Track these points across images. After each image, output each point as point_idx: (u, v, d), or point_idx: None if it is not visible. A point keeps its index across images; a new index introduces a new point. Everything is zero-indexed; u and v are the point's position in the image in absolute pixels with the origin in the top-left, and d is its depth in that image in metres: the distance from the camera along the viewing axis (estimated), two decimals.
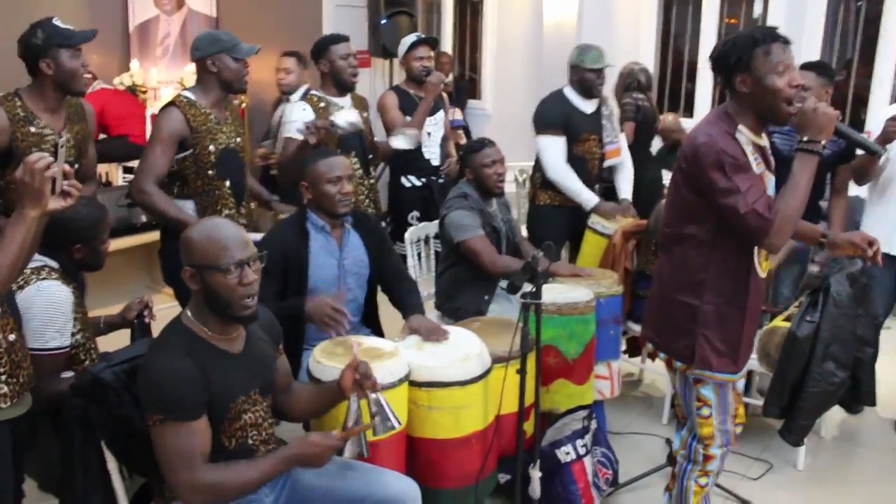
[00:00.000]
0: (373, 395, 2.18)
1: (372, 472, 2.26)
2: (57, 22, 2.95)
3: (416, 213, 4.24)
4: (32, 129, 2.93)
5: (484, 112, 6.65)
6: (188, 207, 3.16)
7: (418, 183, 4.31)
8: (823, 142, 2.23)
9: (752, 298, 2.43)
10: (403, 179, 4.32)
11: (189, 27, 7.18)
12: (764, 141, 2.40)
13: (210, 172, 3.16)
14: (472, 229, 3.38)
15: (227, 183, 3.20)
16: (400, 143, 3.89)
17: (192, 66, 6.95)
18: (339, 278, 3.00)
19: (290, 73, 4.97)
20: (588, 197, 4.04)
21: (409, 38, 4.37)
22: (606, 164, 4.19)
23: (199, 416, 2.00)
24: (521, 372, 2.54)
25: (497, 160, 3.47)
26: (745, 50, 2.23)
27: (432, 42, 4.38)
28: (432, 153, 4.31)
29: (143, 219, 5.04)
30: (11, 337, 2.04)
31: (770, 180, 2.36)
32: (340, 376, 2.22)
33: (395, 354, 2.56)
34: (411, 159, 4.23)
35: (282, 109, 4.36)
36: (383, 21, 6.57)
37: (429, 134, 4.26)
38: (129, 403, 2.11)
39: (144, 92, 6.47)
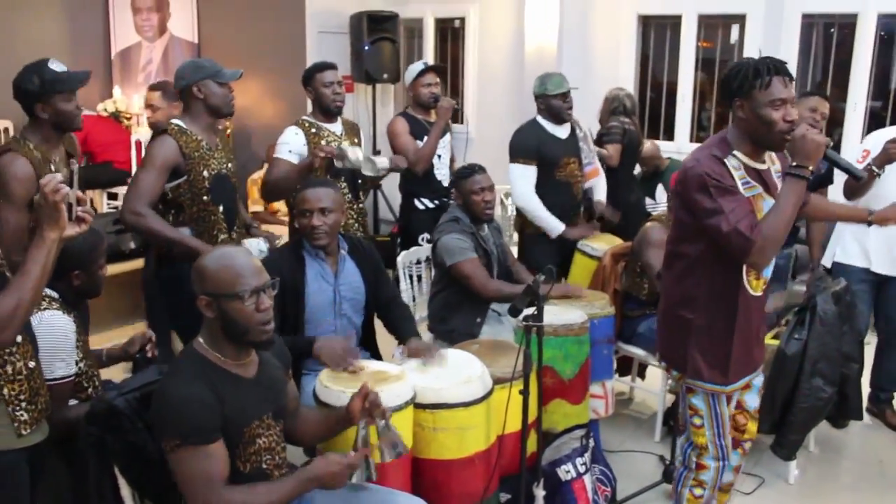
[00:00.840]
0: (381, 423, 2.21)
1: (383, 493, 2.29)
2: (52, 66, 2.92)
3: (426, 236, 4.25)
4: (52, 168, 2.92)
5: (466, 136, 6.70)
6: (185, 234, 3.19)
7: (431, 205, 4.36)
8: (811, 167, 2.31)
9: (741, 315, 2.50)
10: (416, 202, 4.37)
11: (171, 54, 7.20)
12: (764, 165, 2.47)
13: (205, 198, 3.19)
14: (464, 252, 3.44)
15: (221, 208, 3.24)
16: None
17: None
18: (336, 304, 3.04)
19: (157, 109, 4.45)
20: (554, 225, 4.11)
21: (417, 66, 4.43)
22: (587, 185, 4.27)
23: (216, 440, 2.02)
24: (525, 392, 2.60)
25: (486, 188, 3.54)
26: (748, 78, 2.32)
27: (439, 69, 4.46)
28: (443, 175, 4.37)
29: (133, 245, 5.04)
30: (31, 364, 2.07)
31: (767, 202, 2.42)
32: (349, 402, 2.25)
33: (401, 378, 2.60)
34: (425, 182, 4.28)
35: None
36: (366, 47, 6.65)
37: (439, 156, 4.33)
38: (143, 430, 2.14)
39: (128, 118, 6.47)
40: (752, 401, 2.69)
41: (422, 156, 4.19)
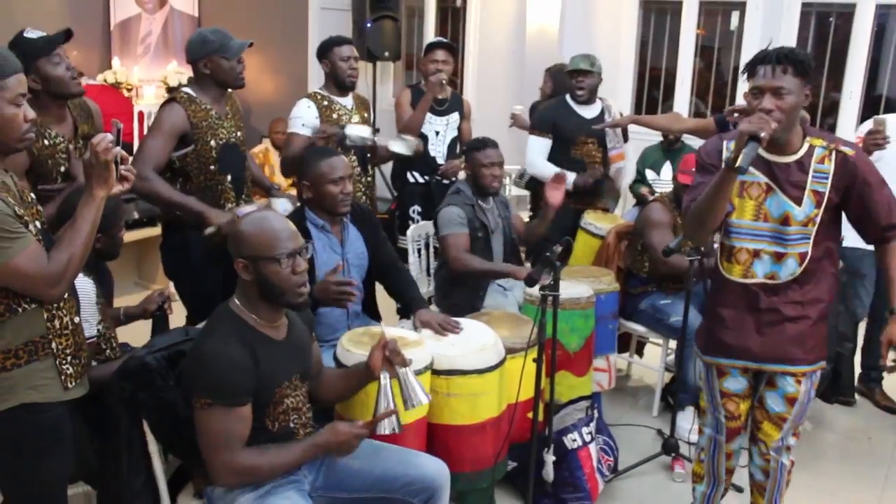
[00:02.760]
0: (402, 371, 2.26)
1: (405, 453, 2.37)
2: (28, 34, 2.85)
3: (417, 208, 4.37)
4: (46, 143, 2.86)
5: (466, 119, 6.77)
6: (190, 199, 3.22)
7: (421, 180, 4.43)
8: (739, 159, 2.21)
9: (718, 295, 2.58)
10: (409, 175, 4.44)
11: (171, 26, 7.20)
12: (784, 158, 2.40)
13: (212, 167, 3.21)
14: (451, 225, 3.52)
15: (229, 177, 3.27)
16: (398, 147, 4.00)
17: (174, 65, 7.04)
18: (345, 272, 3.07)
19: None
20: (568, 177, 4.21)
21: (429, 42, 4.52)
22: (612, 168, 4.37)
23: (247, 403, 2.09)
24: (538, 360, 2.68)
25: (496, 163, 3.61)
26: (749, 66, 2.37)
27: (448, 47, 4.50)
28: (438, 152, 4.42)
29: (136, 215, 5.08)
30: (77, 319, 2.12)
31: (774, 198, 2.40)
32: (369, 356, 2.31)
33: (419, 343, 2.68)
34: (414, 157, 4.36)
35: None
36: (368, 24, 6.66)
37: (437, 133, 4.39)
38: (174, 388, 2.21)
39: (130, 89, 6.48)
40: (775, 403, 2.57)
41: (406, 125, 4.23)
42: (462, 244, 3.50)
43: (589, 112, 4.33)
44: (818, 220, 2.38)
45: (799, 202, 2.38)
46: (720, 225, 2.47)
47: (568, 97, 4.39)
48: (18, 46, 2.81)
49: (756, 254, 2.45)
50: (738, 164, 2.17)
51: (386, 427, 2.18)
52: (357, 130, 3.62)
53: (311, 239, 2.99)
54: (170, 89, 6.82)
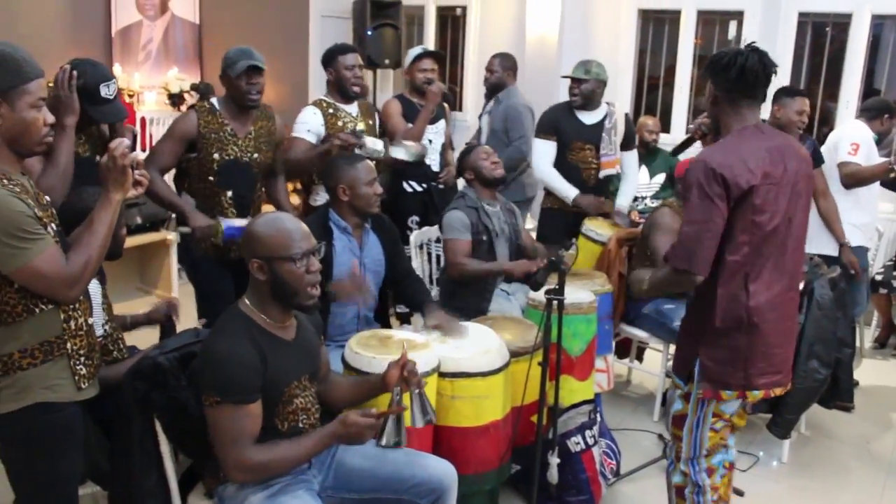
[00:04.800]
0: (416, 391, 2.30)
1: (413, 454, 2.39)
2: (104, 92, 2.76)
3: (415, 218, 4.38)
4: None
5: (465, 124, 6.79)
6: (189, 203, 3.35)
7: (419, 188, 4.45)
8: None
9: None
10: (405, 184, 4.44)
11: (172, 33, 7.23)
12: None
13: (210, 179, 3.30)
14: (454, 232, 3.57)
15: (229, 193, 3.34)
16: (400, 153, 4.02)
17: (174, 71, 7.08)
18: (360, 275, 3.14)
19: None
20: (567, 191, 4.32)
21: (415, 50, 4.51)
22: (602, 174, 4.38)
23: (255, 401, 2.12)
24: (543, 364, 2.72)
25: (490, 153, 3.74)
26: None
27: (436, 55, 4.54)
28: (432, 160, 4.44)
29: (139, 220, 5.11)
30: (90, 320, 2.15)
31: None
32: (387, 371, 2.34)
33: (427, 346, 2.71)
34: (413, 165, 4.38)
35: None
36: (369, 32, 6.70)
37: (430, 141, 4.41)
38: (186, 388, 2.23)
39: (131, 95, 6.51)
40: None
41: (409, 137, 4.24)
42: (461, 249, 3.55)
43: (589, 118, 4.36)
44: None
45: None
46: None
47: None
48: (93, 99, 2.74)
49: None
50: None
51: (389, 439, 2.19)
52: (373, 143, 3.68)
53: (330, 238, 3.06)
54: (171, 96, 6.87)
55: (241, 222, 3.18)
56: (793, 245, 2.42)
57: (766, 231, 2.33)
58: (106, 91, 2.77)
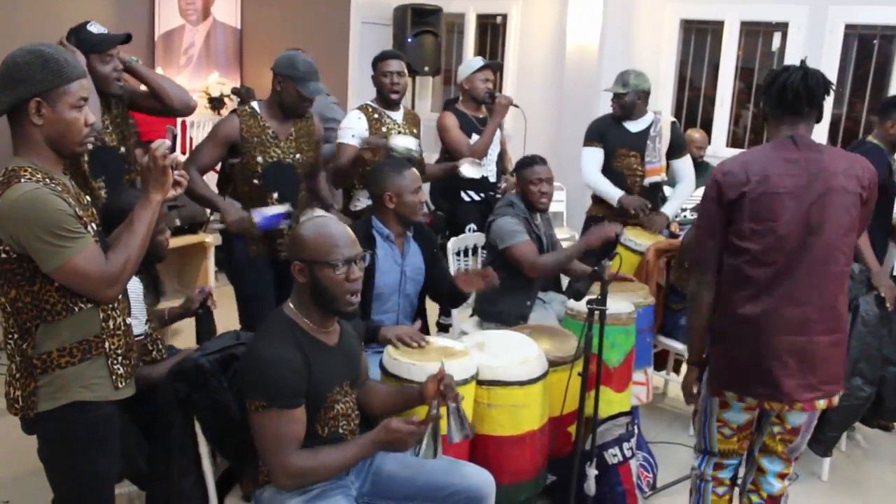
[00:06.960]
0: (453, 405, 2.28)
1: (451, 462, 2.38)
2: (91, 28, 2.99)
3: (473, 227, 4.38)
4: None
5: (504, 132, 6.79)
6: (236, 205, 3.36)
7: (478, 198, 4.45)
8: None
9: None
10: (463, 194, 4.45)
11: (213, 38, 7.31)
12: None
13: (255, 182, 3.33)
14: (517, 235, 3.55)
15: (275, 195, 3.36)
16: (471, 172, 4.08)
17: (215, 76, 7.15)
18: (401, 284, 3.15)
19: None
20: (613, 194, 4.32)
21: (476, 61, 4.51)
22: (646, 181, 4.36)
23: (300, 405, 2.12)
24: (584, 374, 2.69)
25: (544, 179, 3.65)
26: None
27: (496, 67, 4.53)
28: (489, 170, 4.44)
29: (177, 222, 5.16)
30: (129, 320, 2.17)
31: None
32: (425, 384, 2.33)
33: (465, 354, 2.70)
34: None
35: None
36: (409, 39, 6.73)
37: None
38: (227, 390, 2.24)
39: None
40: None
41: (476, 151, 4.26)
42: (532, 250, 3.55)
43: (634, 126, 4.35)
44: None
45: None
46: None
47: None
48: (77, 33, 2.98)
49: None
50: None
51: (426, 451, 2.17)
52: (402, 141, 3.65)
53: (374, 247, 3.07)
54: (211, 99, 6.94)
55: (274, 209, 3.25)
56: (812, 260, 2.34)
57: (769, 241, 2.33)
58: (94, 27, 2.97)
